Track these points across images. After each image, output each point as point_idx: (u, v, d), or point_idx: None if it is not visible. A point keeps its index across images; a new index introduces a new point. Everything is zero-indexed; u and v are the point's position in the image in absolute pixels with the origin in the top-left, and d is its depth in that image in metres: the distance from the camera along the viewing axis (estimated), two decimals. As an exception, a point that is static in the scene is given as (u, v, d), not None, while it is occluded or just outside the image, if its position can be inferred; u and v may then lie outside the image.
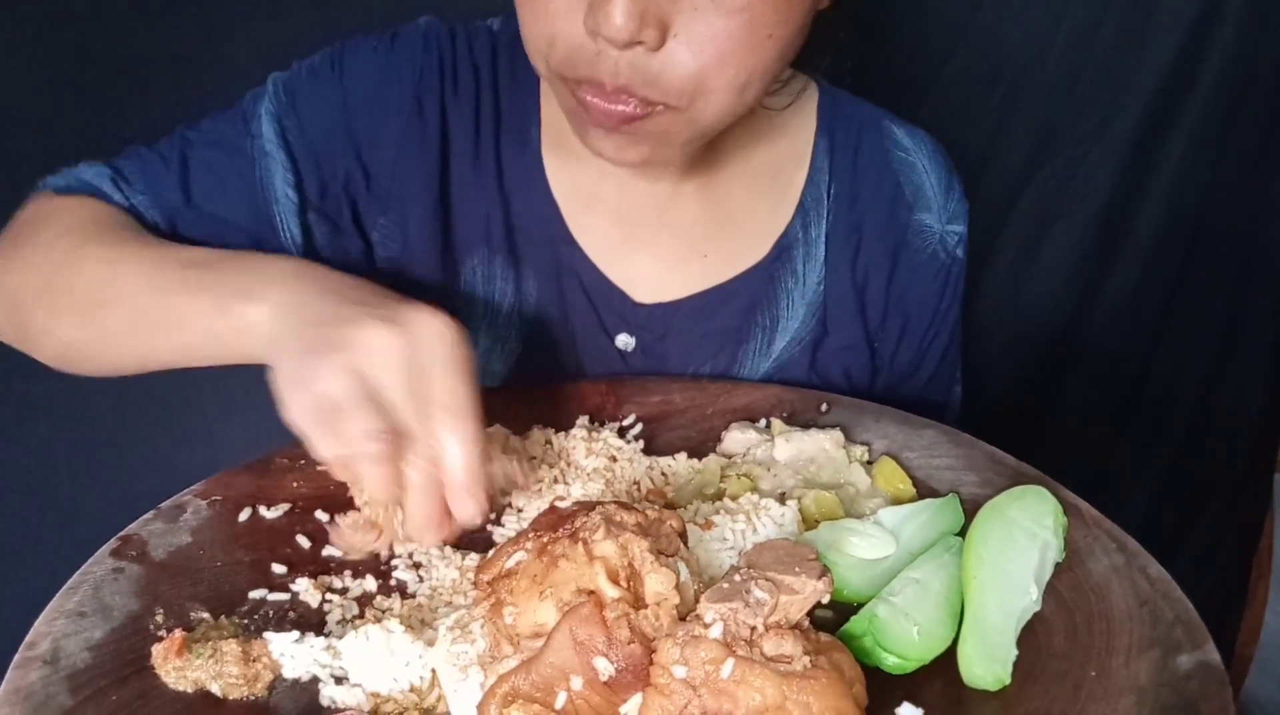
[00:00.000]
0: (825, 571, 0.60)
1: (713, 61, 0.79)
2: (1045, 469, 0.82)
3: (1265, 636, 2.00)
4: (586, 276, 1.01)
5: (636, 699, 0.57)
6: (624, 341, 1.02)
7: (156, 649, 0.64)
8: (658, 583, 0.59)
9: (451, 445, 0.67)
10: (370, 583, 0.73)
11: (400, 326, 0.68)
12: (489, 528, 0.80)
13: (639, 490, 0.83)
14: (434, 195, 0.98)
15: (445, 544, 0.74)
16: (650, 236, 1.01)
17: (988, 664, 0.65)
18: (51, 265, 0.85)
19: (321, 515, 0.79)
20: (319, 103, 0.96)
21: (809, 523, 0.77)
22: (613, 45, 0.76)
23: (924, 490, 0.83)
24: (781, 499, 0.78)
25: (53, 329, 0.85)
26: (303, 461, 0.84)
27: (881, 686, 0.63)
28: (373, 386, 0.66)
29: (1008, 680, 0.64)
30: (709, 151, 0.99)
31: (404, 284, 0.99)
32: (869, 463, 0.86)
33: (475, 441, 0.68)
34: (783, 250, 1.03)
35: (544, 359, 1.02)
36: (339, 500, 0.80)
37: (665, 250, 1.02)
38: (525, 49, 0.85)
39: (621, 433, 0.90)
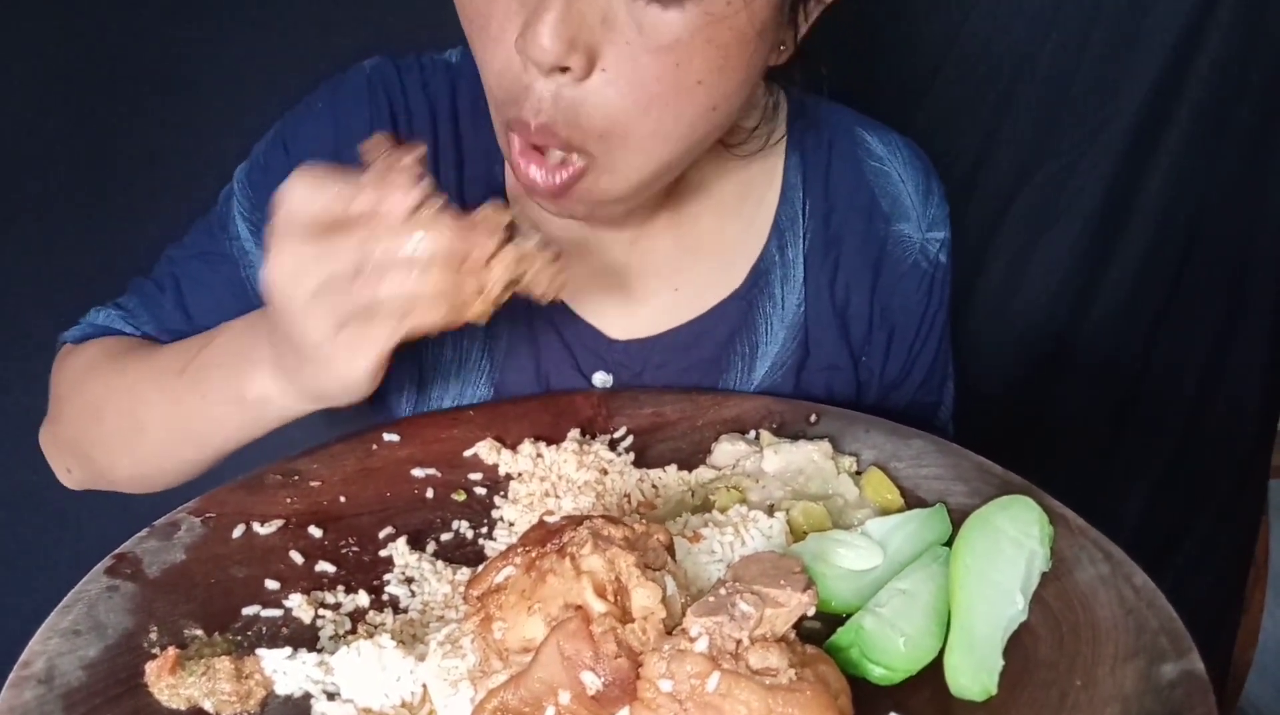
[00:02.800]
0: (810, 584, 0.61)
1: (636, 104, 0.75)
2: (1041, 473, 0.83)
3: (1263, 642, 2.01)
4: (558, 317, 0.99)
5: (624, 713, 0.58)
6: (601, 380, 1.01)
7: (150, 667, 0.64)
8: (644, 597, 0.60)
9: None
10: (363, 598, 0.74)
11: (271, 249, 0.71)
12: (480, 542, 0.80)
13: (629, 503, 0.84)
14: None
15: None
16: (620, 272, 0.99)
17: (974, 674, 0.65)
18: (87, 413, 0.91)
19: (315, 531, 0.79)
20: (278, 187, 0.95)
21: (797, 534, 0.77)
22: (539, 69, 0.74)
23: (912, 500, 0.83)
24: (770, 510, 0.79)
25: (112, 468, 0.91)
26: (296, 477, 0.85)
27: (869, 697, 0.63)
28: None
29: (994, 690, 0.65)
30: (676, 182, 0.95)
31: None
32: (857, 473, 0.86)
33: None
34: (759, 276, 1.01)
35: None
36: (332, 516, 0.81)
37: (636, 285, 1.00)
38: (485, 91, 0.83)
39: (613, 445, 0.91)
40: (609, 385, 1.01)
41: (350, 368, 0.72)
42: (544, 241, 0.73)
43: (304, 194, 0.70)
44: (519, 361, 1.00)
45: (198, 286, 0.95)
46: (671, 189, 0.97)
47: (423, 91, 0.97)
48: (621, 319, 1.00)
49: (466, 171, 0.98)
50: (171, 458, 0.88)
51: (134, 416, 0.87)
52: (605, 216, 0.87)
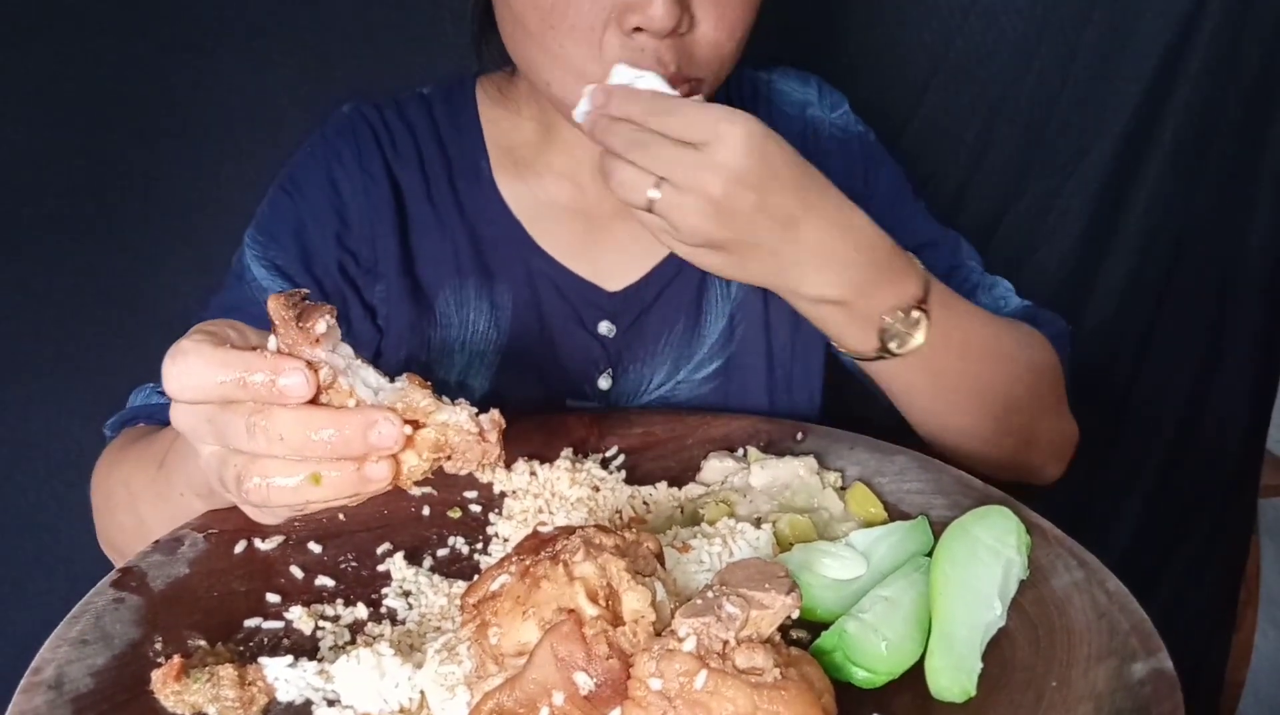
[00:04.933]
0: (794, 587, 0.63)
1: (724, 32, 0.90)
2: (1031, 492, 0.85)
3: (1255, 661, 2.01)
4: (560, 280, 1.07)
5: (615, 712, 0.59)
6: (606, 328, 1.08)
7: (156, 674, 0.66)
8: (634, 600, 0.62)
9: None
10: (361, 610, 0.76)
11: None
12: (476, 557, 0.82)
13: (621, 518, 0.86)
14: (397, 246, 1.04)
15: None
16: (610, 224, 1.08)
17: (954, 676, 0.67)
18: (107, 511, 0.95)
19: (314, 546, 0.82)
20: (288, 222, 1.03)
21: (783, 546, 0.80)
22: (656, 37, 0.85)
23: (895, 514, 0.86)
24: (757, 523, 0.81)
25: None
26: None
27: (852, 700, 0.66)
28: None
29: (973, 692, 0.67)
30: None
31: (390, 337, 1.05)
32: (842, 488, 0.89)
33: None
34: None
35: (523, 363, 1.07)
36: (331, 532, 0.83)
37: (622, 235, 1.08)
38: (555, 82, 0.91)
39: (604, 464, 0.93)
40: (612, 333, 1.08)
41: (258, 514, 0.74)
42: (474, 415, 0.66)
43: (200, 366, 0.63)
44: (525, 327, 1.07)
45: None
46: None
47: (400, 118, 1.07)
48: (615, 270, 1.08)
49: (455, 168, 1.07)
50: None
51: (136, 512, 0.89)
52: None
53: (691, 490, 0.89)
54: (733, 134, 0.77)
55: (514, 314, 1.07)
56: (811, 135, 1.13)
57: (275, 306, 0.64)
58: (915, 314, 0.87)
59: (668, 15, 0.83)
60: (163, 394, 0.99)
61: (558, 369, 1.08)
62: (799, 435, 0.97)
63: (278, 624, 0.74)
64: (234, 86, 1.39)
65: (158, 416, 0.98)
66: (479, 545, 0.84)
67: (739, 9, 0.90)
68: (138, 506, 0.89)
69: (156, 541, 0.80)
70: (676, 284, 1.09)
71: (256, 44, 1.38)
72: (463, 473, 0.67)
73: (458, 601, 0.76)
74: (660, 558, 0.68)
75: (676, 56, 0.88)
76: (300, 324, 0.64)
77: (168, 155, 1.40)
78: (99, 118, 1.37)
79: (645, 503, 0.88)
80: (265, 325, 0.94)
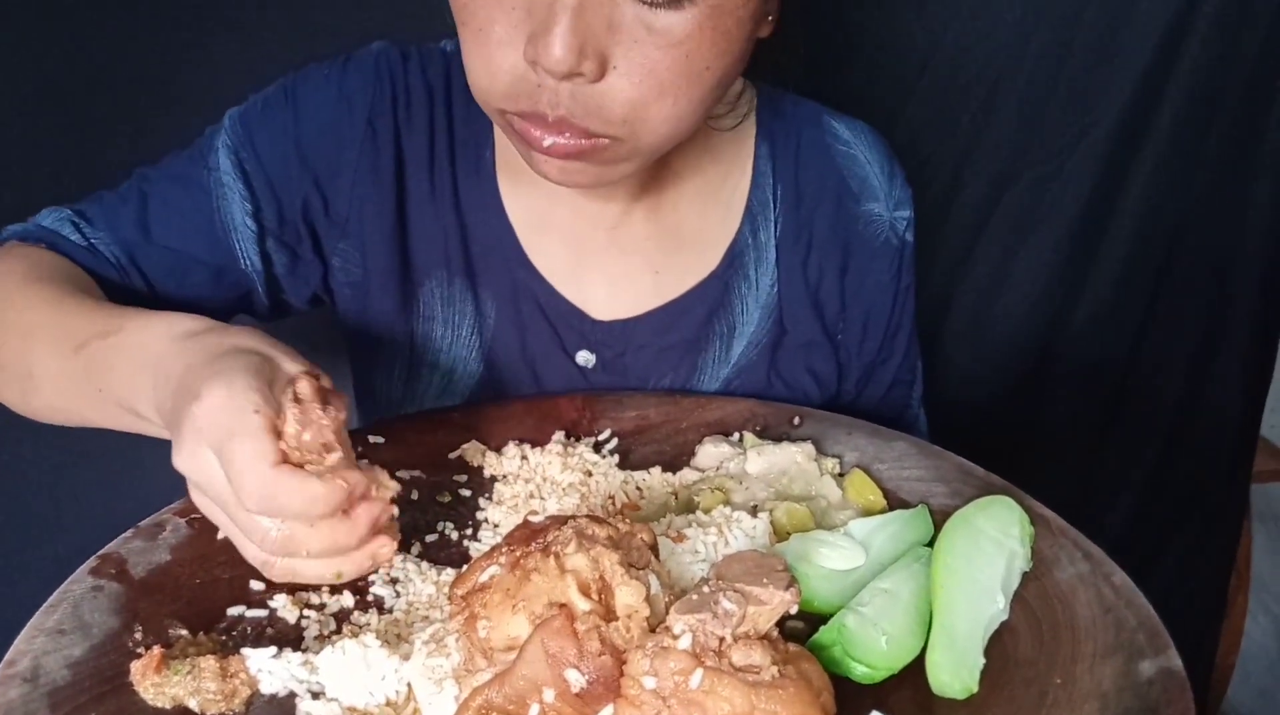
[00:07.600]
0: (793, 582, 0.62)
1: (651, 93, 0.79)
2: (1027, 480, 0.83)
3: (1246, 646, 2.02)
4: (543, 298, 1.02)
5: (608, 710, 0.58)
6: (584, 358, 1.04)
7: (135, 665, 0.64)
8: (628, 595, 0.60)
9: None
10: (348, 599, 0.74)
11: (194, 435, 0.66)
12: (466, 543, 0.81)
13: (614, 504, 0.84)
14: (391, 218, 0.99)
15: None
16: (602, 256, 1.03)
17: (956, 672, 0.66)
18: None
19: (300, 532, 0.80)
20: (274, 133, 0.97)
21: (780, 535, 0.78)
22: (551, 76, 0.77)
23: (894, 502, 0.84)
24: (753, 511, 0.79)
25: (1, 392, 0.89)
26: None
27: (851, 695, 0.64)
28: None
29: (975, 688, 0.65)
30: (657, 170, 1.00)
31: (366, 307, 1.02)
32: (840, 475, 0.87)
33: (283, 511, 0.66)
34: (734, 258, 1.05)
35: (505, 378, 1.04)
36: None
37: (617, 269, 1.03)
38: (469, 83, 0.84)
39: (597, 448, 0.91)
40: (590, 364, 1.04)
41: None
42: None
43: (289, 499, 0.65)
44: (506, 340, 1.03)
45: (164, 206, 0.95)
46: (651, 179, 1.01)
47: (422, 76, 1.00)
48: (604, 301, 1.03)
49: (458, 154, 1.01)
50: (61, 415, 0.86)
51: (26, 363, 0.84)
52: (610, 181, 0.88)
53: (686, 476, 0.88)
54: None
55: (497, 325, 1.03)
56: (862, 227, 1.07)
57: (335, 421, 0.68)
58: None
59: (564, 58, 0.74)
60: (79, 228, 0.93)
61: (536, 391, 1.04)
62: (796, 420, 0.95)
63: (261, 612, 0.72)
64: (227, 72, 1.36)
65: (62, 251, 0.92)
66: (469, 531, 0.82)
67: (670, 72, 0.78)
68: (30, 360, 0.83)
69: (137, 527, 0.78)
70: (671, 335, 1.04)
71: (249, 27, 1.36)
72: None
73: (446, 590, 0.74)
74: (654, 549, 0.67)
75: (573, 103, 0.78)
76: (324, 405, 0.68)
77: (160, 146, 1.38)
78: (90, 108, 1.35)
79: (638, 489, 0.86)
80: (206, 216, 0.95)
